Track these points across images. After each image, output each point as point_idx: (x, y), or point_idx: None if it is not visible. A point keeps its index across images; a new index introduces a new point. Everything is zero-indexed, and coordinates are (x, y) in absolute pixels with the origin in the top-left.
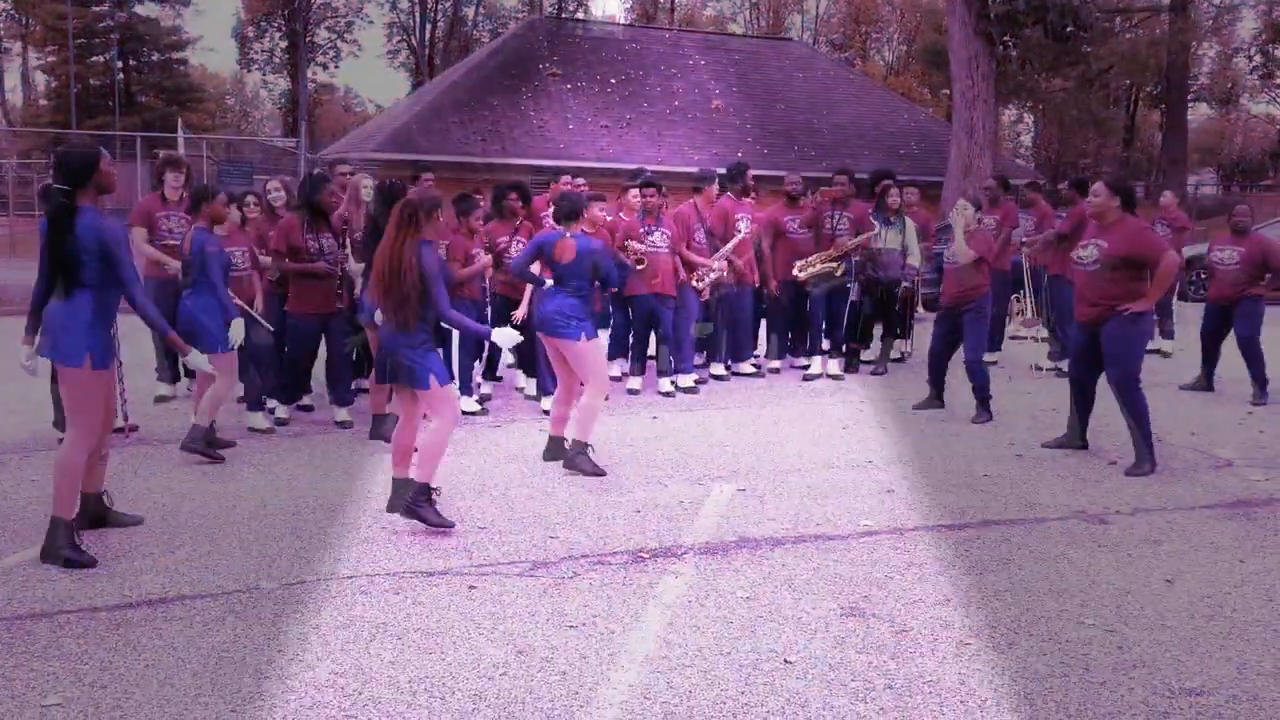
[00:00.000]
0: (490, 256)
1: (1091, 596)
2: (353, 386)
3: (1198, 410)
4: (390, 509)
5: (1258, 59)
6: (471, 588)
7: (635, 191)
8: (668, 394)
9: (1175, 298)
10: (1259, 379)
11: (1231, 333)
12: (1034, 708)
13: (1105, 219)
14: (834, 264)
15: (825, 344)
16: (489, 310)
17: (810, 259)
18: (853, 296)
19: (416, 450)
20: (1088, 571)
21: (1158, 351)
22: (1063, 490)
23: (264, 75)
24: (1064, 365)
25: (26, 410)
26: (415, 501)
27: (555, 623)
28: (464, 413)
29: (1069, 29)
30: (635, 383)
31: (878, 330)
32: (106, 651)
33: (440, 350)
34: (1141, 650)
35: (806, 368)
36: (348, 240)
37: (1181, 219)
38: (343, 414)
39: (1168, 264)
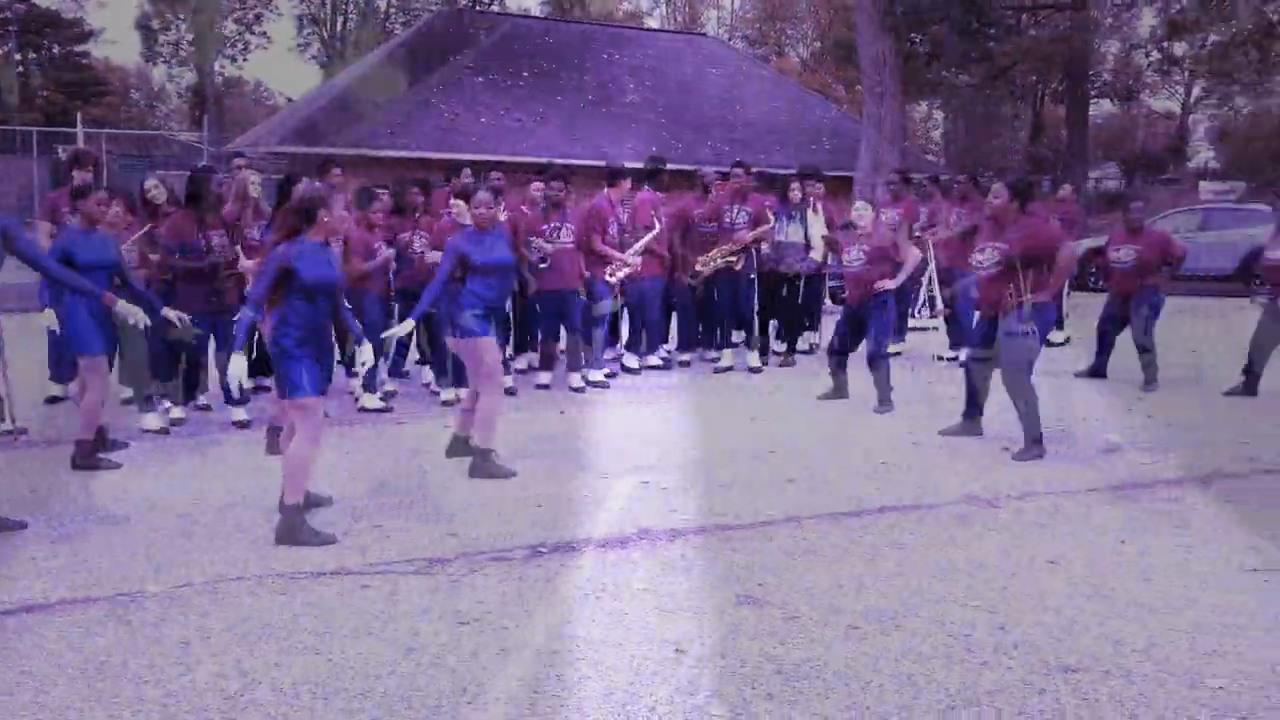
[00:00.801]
0: (392, 251)
1: (978, 579)
2: (252, 385)
3: (1090, 396)
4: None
5: (1156, 56)
6: (364, 587)
7: (538, 185)
8: (578, 389)
9: (1069, 288)
10: (1148, 365)
11: (1128, 322)
12: (916, 689)
13: (1004, 220)
14: (733, 258)
15: (737, 337)
16: (395, 307)
17: (711, 254)
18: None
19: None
20: (976, 555)
21: (1046, 341)
22: (956, 476)
23: (170, 68)
24: (962, 355)
25: None
26: (288, 527)
27: (448, 620)
28: (366, 409)
29: (974, 25)
30: (544, 377)
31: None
32: None
33: (306, 358)
34: (1022, 630)
35: (717, 360)
36: (240, 237)
37: (1074, 212)
38: (239, 413)
39: (1064, 256)
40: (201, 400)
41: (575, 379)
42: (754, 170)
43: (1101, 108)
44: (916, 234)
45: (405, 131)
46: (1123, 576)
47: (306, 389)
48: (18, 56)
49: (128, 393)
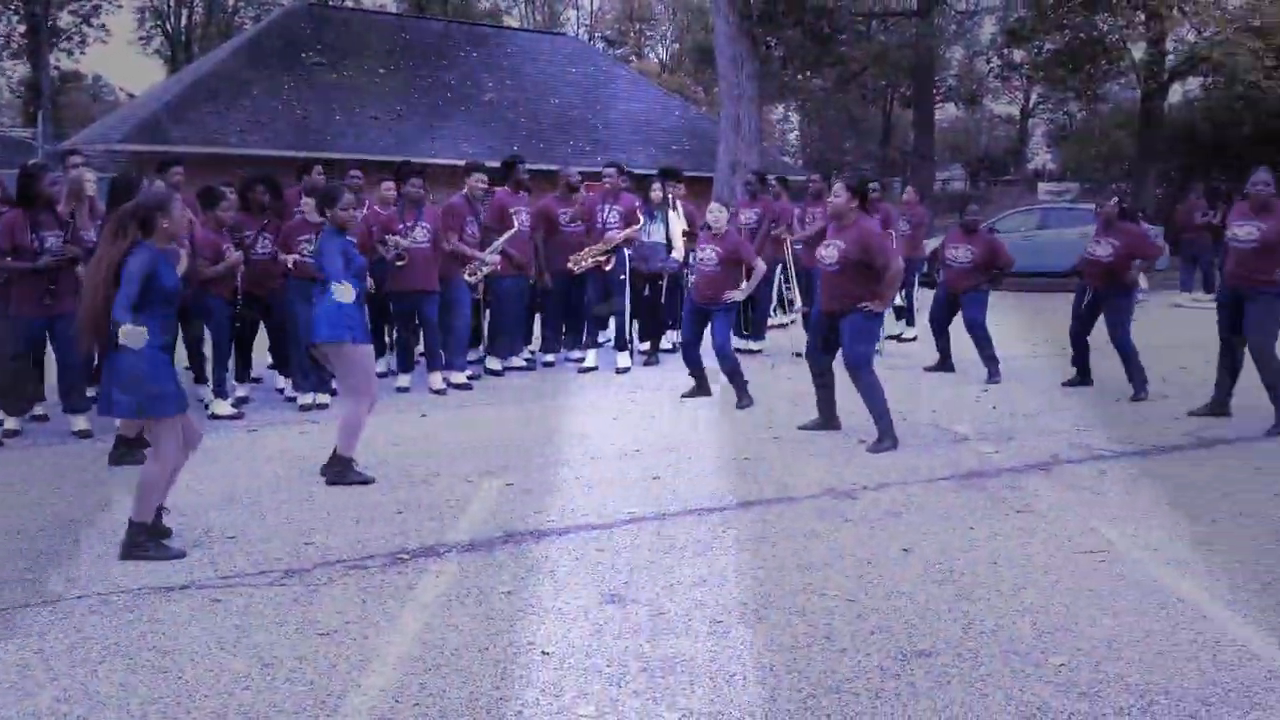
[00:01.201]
0: (240, 254)
1: (836, 569)
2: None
3: (938, 390)
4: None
5: (996, 63)
6: (215, 600)
7: (388, 184)
8: (439, 391)
9: (918, 284)
10: (989, 359)
11: (959, 317)
12: (778, 679)
13: (844, 220)
14: (603, 257)
15: (603, 337)
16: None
17: (582, 253)
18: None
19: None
20: (834, 545)
21: (897, 337)
22: (815, 469)
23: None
24: None
25: None
26: (133, 543)
27: (305, 631)
28: (216, 416)
29: (826, 30)
30: (404, 380)
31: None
32: None
33: (171, 372)
34: (879, 617)
35: (581, 360)
36: (77, 238)
37: (920, 214)
38: (80, 423)
39: (893, 272)
40: (38, 410)
41: (436, 380)
42: (626, 170)
43: (947, 111)
44: (774, 234)
45: (256, 129)
46: (971, 561)
47: (173, 406)
48: None
49: None
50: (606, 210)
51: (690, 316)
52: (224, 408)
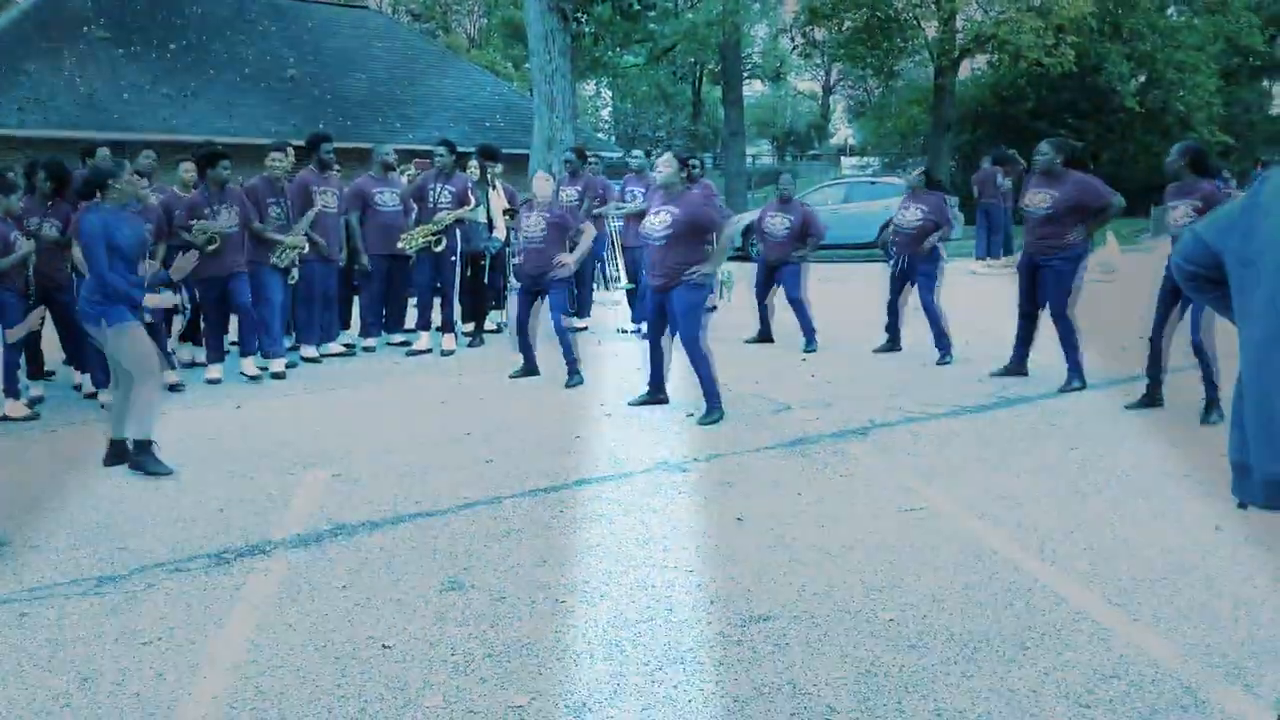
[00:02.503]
0: (33, 243)
1: (673, 542)
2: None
3: (761, 361)
4: None
5: (800, 41)
6: (23, 615)
7: (189, 166)
8: (253, 377)
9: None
10: (806, 329)
11: (779, 289)
12: (625, 655)
13: (672, 190)
14: (434, 237)
15: (436, 319)
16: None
17: (413, 232)
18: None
19: None
20: (670, 518)
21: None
22: (647, 444)
23: None
24: (644, 327)
25: None
26: None
27: (126, 641)
28: (9, 418)
29: (636, 7)
30: (216, 371)
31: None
32: None
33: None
34: (717, 586)
35: (405, 344)
36: None
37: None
38: None
39: (725, 236)
40: None
41: (249, 366)
42: (458, 150)
43: (753, 87)
44: (595, 212)
45: (36, 108)
46: (801, 526)
47: None
48: None
49: None
50: (438, 190)
51: (522, 294)
52: (18, 409)
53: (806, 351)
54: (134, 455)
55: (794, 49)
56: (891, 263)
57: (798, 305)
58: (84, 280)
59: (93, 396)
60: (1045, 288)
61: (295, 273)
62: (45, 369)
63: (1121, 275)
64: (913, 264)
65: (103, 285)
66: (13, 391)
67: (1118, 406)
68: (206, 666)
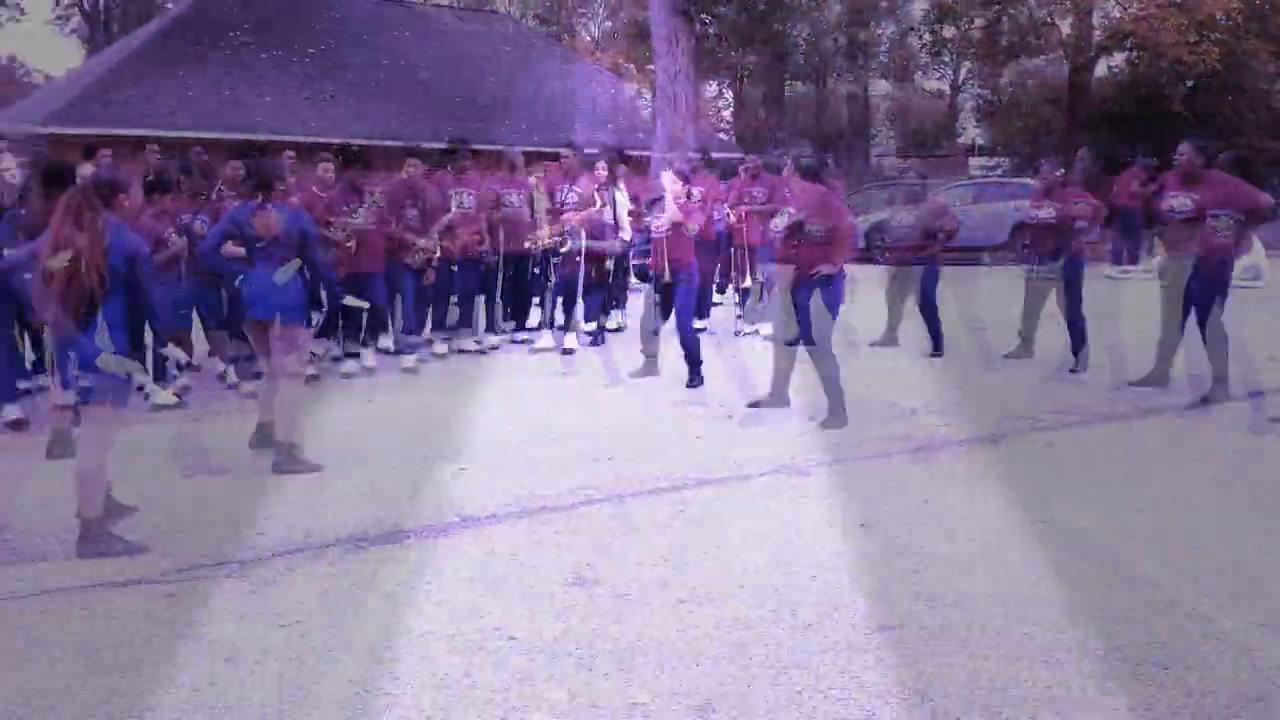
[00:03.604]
0: (185, 240)
1: (795, 545)
2: (22, 386)
3: (886, 364)
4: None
5: (927, 38)
6: (171, 595)
7: (327, 165)
8: (409, 368)
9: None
10: (934, 333)
11: (908, 291)
12: (748, 656)
13: (794, 187)
14: (560, 237)
15: (560, 318)
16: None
17: (539, 233)
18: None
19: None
20: (792, 521)
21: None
22: (769, 446)
23: None
24: (765, 329)
25: None
26: (89, 539)
27: (266, 623)
28: (159, 406)
29: (761, 9)
30: (350, 366)
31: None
32: None
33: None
34: (842, 592)
35: (529, 342)
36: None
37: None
38: (12, 411)
39: (845, 229)
40: None
41: (369, 357)
42: (585, 151)
43: (880, 87)
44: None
45: (184, 110)
46: (929, 534)
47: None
48: None
49: None
50: (565, 190)
51: (651, 295)
52: (166, 396)
53: (933, 356)
54: (279, 458)
55: (922, 47)
56: (1029, 266)
57: (927, 309)
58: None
59: (234, 387)
60: (1190, 294)
61: (431, 272)
62: (192, 362)
63: (1275, 282)
64: (1068, 264)
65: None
66: (164, 379)
67: (1263, 419)
68: (342, 650)
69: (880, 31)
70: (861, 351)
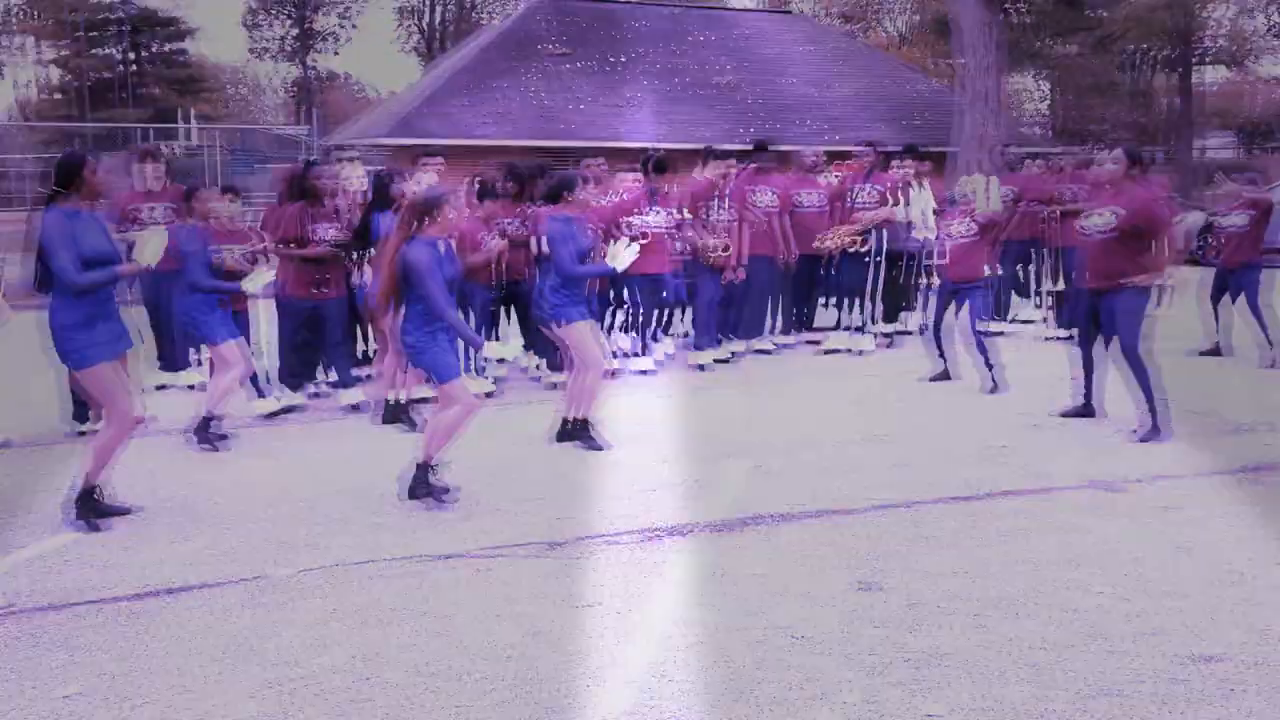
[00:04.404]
0: (505, 242)
1: (1105, 566)
2: (358, 373)
3: (1211, 374)
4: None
5: (1276, 17)
6: (482, 571)
7: (631, 173)
8: (701, 366)
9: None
10: (1267, 340)
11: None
12: (1048, 677)
13: (1117, 187)
14: (855, 237)
15: (852, 318)
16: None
17: (833, 232)
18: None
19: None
20: (1102, 540)
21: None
22: (1077, 459)
23: (274, 63)
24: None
25: (39, 404)
26: (416, 479)
27: (567, 603)
28: (489, 395)
29: None
30: (645, 362)
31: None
32: (123, 641)
33: (447, 344)
34: (1157, 618)
35: (819, 343)
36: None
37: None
38: (353, 394)
39: (1173, 234)
40: (313, 388)
41: (658, 351)
42: (882, 150)
43: (1216, 74)
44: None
45: (502, 120)
46: (1262, 563)
47: (455, 371)
48: (126, 56)
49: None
50: (863, 189)
51: (941, 296)
52: (482, 385)
53: (1266, 367)
54: (578, 431)
55: (1270, 28)
56: None
57: (1257, 314)
58: (544, 281)
59: (537, 380)
60: None
61: (728, 272)
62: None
63: None
64: None
65: (567, 281)
66: (480, 370)
67: None
68: (636, 635)
69: (1209, 15)
70: (1184, 360)
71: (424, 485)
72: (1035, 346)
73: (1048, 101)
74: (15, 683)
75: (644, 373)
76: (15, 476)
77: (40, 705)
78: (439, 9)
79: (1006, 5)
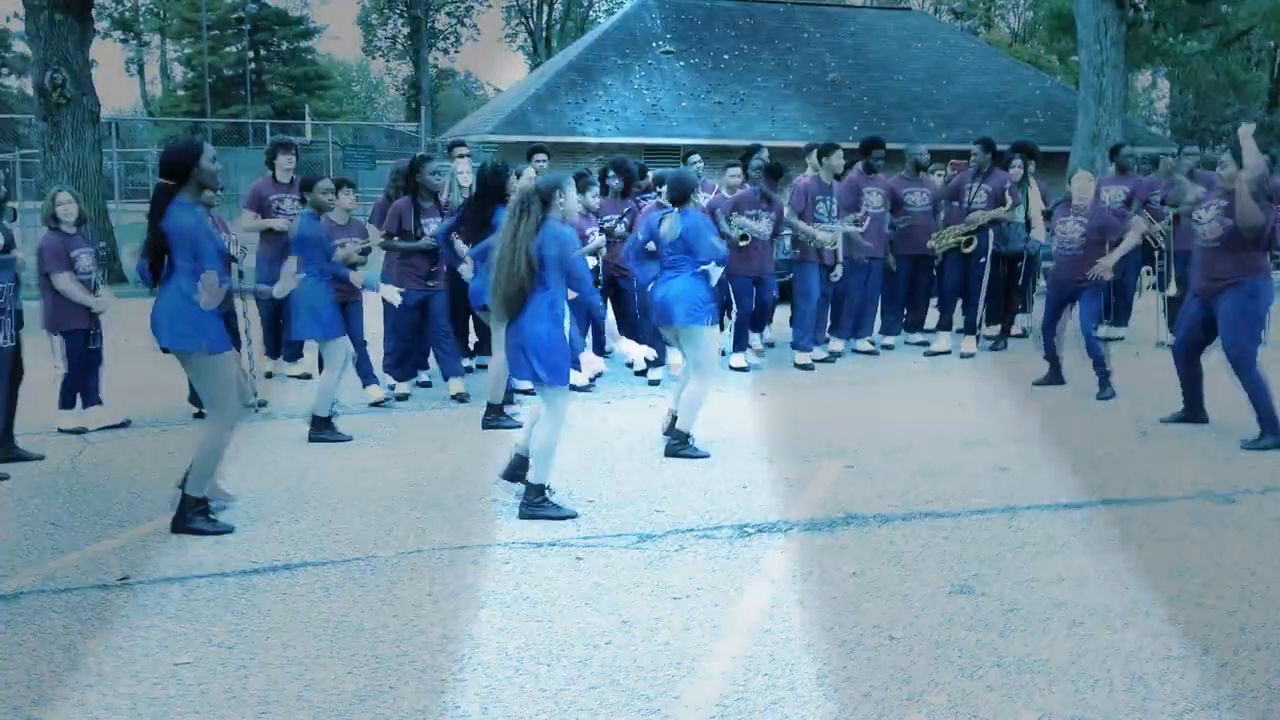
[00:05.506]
0: (604, 236)
1: (1214, 577)
2: (465, 364)
3: None
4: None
5: None
6: (579, 559)
7: (734, 171)
8: (804, 367)
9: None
10: None
11: None
12: (1147, 689)
13: (1229, 186)
14: (965, 237)
15: (959, 320)
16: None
17: (944, 231)
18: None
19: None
20: (1212, 552)
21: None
22: (1187, 468)
23: (388, 61)
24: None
25: (161, 386)
26: (530, 501)
27: (659, 594)
28: (574, 387)
29: None
30: (739, 360)
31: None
32: (234, 614)
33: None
34: (1265, 632)
35: (924, 344)
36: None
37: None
38: (457, 385)
39: (1265, 231)
40: (423, 377)
41: (739, 360)
42: (996, 148)
43: None
44: (1167, 214)
45: (610, 117)
46: None
47: (566, 377)
48: (250, 53)
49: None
50: (974, 189)
51: (1051, 299)
52: (581, 379)
53: None
54: (671, 444)
55: None
56: None
57: None
58: (665, 277)
59: (642, 374)
60: None
61: (838, 270)
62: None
63: None
64: None
65: (702, 278)
66: (577, 365)
67: None
68: (727, 628)
69: None
70: None
71: (538, 507)
72: (1150, 352)
73: (1165, 99)
74: (131, 650)
75: (741, 369)
76: (136, 456)
77: (155, 672)
78: (546, 8)
79: (1126, 1)
